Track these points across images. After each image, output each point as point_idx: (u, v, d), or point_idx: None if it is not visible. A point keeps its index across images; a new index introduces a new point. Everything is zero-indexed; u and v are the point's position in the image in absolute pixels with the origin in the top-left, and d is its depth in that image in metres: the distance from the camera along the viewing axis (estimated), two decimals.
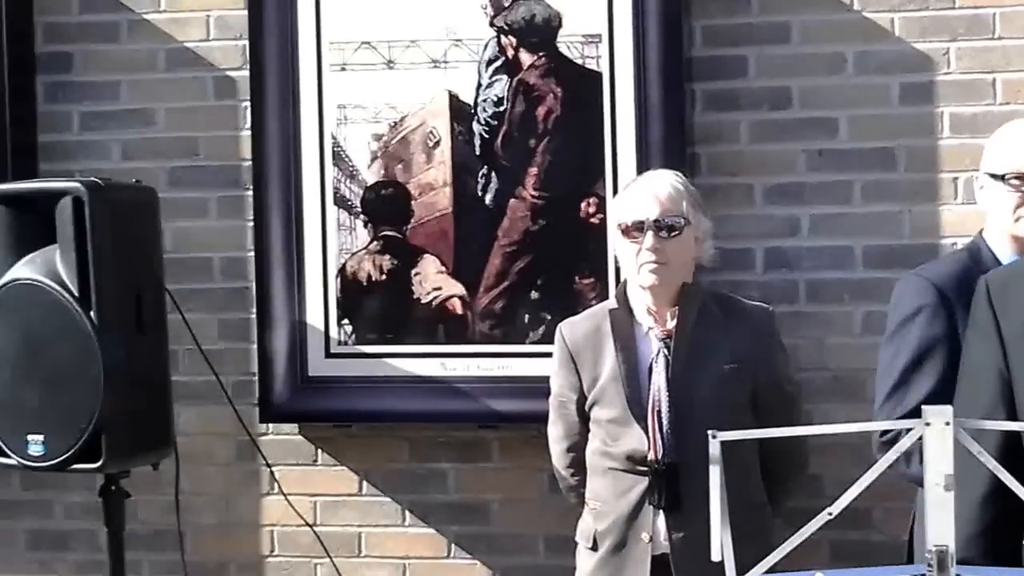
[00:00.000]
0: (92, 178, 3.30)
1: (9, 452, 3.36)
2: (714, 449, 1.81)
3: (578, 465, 3.33)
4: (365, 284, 3.93)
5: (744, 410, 3.21)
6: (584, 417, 3.29)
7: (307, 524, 3.94)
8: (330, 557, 3.93)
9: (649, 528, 3.17)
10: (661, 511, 3.16)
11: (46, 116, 4.12)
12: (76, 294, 3.24)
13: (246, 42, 3.99)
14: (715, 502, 1.81)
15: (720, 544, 1.81)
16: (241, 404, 3.91)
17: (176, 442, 3.46)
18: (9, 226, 3.39)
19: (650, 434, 3.16)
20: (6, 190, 3.44)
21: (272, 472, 3.98)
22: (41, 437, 3.29)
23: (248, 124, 3.99)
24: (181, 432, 3.72)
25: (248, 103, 3.99)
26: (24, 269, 3.33)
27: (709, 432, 1.83)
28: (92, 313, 3.21)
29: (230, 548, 4.06)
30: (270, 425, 4.01)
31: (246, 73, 3.99)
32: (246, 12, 3.98)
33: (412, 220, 3.90)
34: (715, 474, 1.81)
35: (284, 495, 3.94)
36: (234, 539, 4.05)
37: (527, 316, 3.83)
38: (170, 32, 4.06)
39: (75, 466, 3.28)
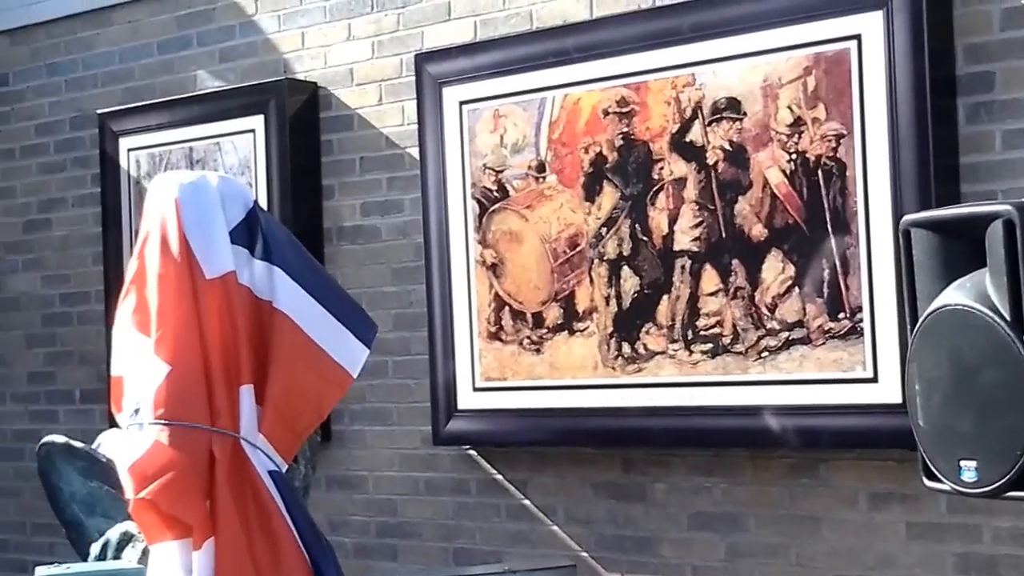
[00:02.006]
0: (1021, 200, 3.22)
1: (941, 476, 3.35)
2: None
3: None
4: None
5: None
6: None
7: None
8: None
9: None
10: None
11: (967, 137, 4.11)
12: (1007, 318, 3.17)
13: None
14: None
15: None
16: None
17: None
18: (937, 251, 3.38)
19: None
20: (934, 216, 3.44)
21: None
22: (973, 463, 3.25)
23: None
24: None
25: None
26: (954, 294, 3.30)
27: None
28: None
29: None
30: None
31: None
32: None
33: None
34: None
35: None
36: None
37: None
38: None
39: (1009, 493, 3.21)
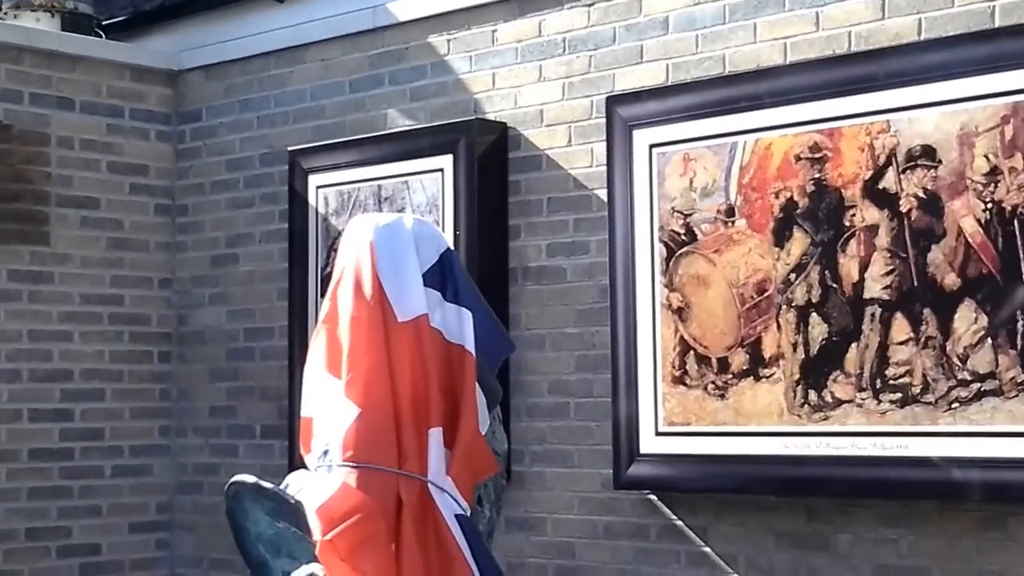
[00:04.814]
0: None
1: None
2: None
3: None
4: None
5: None
6: None
7: None
8: None
9: None
10: None
11: None
12: None
13: None
14: None
15: None
16: None
17: None
18: None
19: None
20: None
21: None
22: None
23: None
24: None
25: None
26: None
27: None
28: None
29: None
30: None
31: None
32: None
33: None
34: None
35: None
36: None
37: None
38: None
39: None
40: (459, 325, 3.47)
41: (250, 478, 3.54)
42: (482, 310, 3.55)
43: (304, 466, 3.57)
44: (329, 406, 3.41)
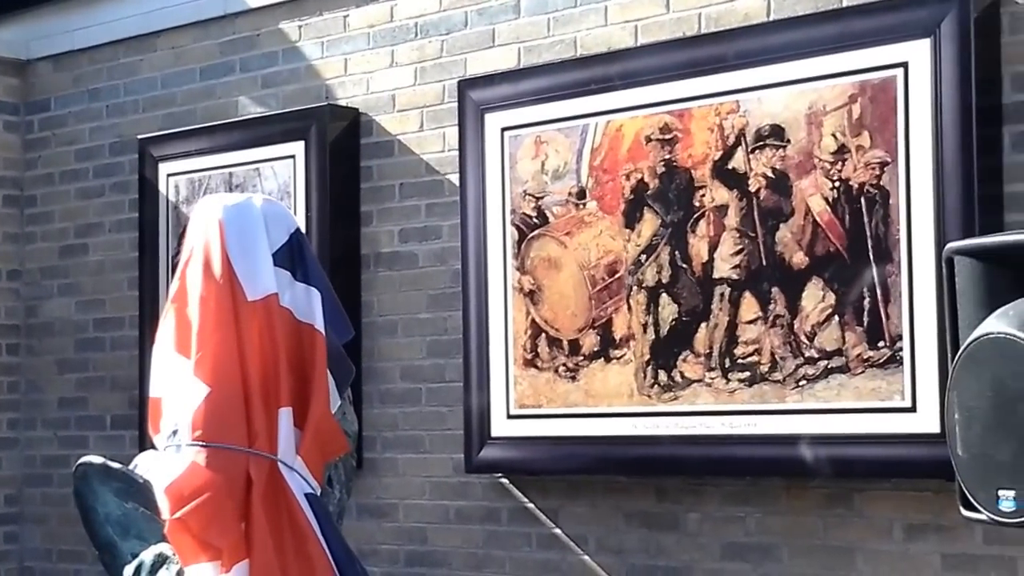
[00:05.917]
0: None
1: (979, 506, 3.31)
2: None
3: None
4: None
5: None
6: None
7: None
8: None
9: None
10: None
11: (1012, 166, 4.09)
12: None
13: None
14: None
15: None
16: None
17: None
18: (980, 280, 3.36)
19: None
20: (978, 244, 3.42)
21: None
22: (1012, 493, 3.21)
23: None
24: None
25: None
26: (996, 323, 3.28)
27: None
28: None
29: None
30: None
31: None
32: None
33: None
34: None
35: None
36: None
37: None
38: None
39: None
40: (308, 305, 3.45)
41: (98, 459, 3.51)
42: (328, 292, 3.55)
43: (153, 447, 3.53)
44: (178, 386, 3.38)
